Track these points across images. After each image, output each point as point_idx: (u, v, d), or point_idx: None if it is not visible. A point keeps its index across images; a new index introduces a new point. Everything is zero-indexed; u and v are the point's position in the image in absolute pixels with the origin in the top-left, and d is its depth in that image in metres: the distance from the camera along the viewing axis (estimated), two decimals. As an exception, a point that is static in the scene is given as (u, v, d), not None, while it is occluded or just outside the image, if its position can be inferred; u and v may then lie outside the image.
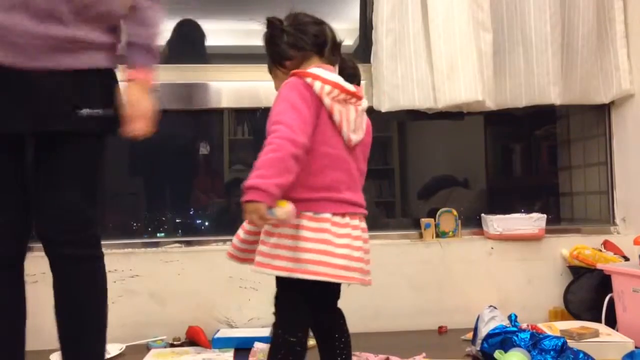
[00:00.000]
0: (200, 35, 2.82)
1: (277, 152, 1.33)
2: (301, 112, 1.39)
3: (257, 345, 2.11)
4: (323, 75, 1.44)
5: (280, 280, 1.45)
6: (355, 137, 1.50)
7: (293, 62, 1.52)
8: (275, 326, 1.47)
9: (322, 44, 1.53)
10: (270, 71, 1.61)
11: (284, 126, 1.36)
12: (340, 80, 1.47)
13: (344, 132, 1.46)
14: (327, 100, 1.43)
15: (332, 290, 1.53)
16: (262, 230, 1.43)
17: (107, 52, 1.48)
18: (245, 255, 1.53)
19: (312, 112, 1.41)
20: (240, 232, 1.54)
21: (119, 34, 1.53)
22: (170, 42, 2.75)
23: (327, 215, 1.41)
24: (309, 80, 1.42)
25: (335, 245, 1.39)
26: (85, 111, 1.41)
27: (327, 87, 1.43)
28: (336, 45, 1.56)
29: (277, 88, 1.56)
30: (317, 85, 1.42)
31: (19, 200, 1.44)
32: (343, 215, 1.44)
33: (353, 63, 1.61)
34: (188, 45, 2.82)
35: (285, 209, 1.33)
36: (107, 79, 1.49)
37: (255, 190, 1.30)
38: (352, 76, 1.55)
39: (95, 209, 1.47)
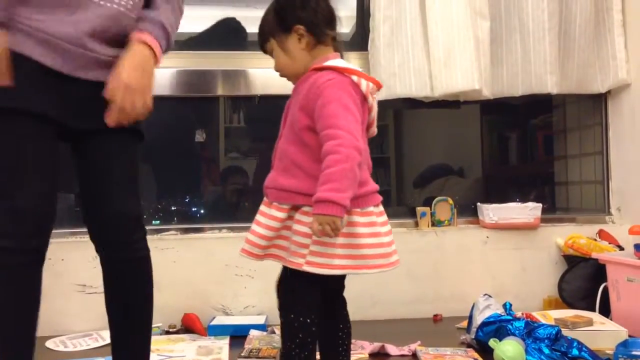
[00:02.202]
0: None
1: (346, 162, 1.31)
2: (355, 115, 1.37)
3: (253, 333, 2.12)
4: (360, 70, 1.42)
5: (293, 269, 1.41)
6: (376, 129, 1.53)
7: (309, 40, 1.43)
8: (286, 311, 1.44)
9: (335, 25, 1.47)
10: (270, 48, 1.48)
11: (346, 132, 1.33)
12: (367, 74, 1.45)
13: (374, 125, 1.48)
14: (370, 99, 1.43)
15: (342, 278, 1.52)
16: (297, 230, 1.39)
17: None
18: (264, 252, 1.45)
19: (360, 112, 1.40)
20: (258, 229, 1.45)
21: None
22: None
23: (371, 209, 1.43)
24: (355, 78, 1.39)
25: (382, 235, 1.42)
26: None
27: (371, 85, 1.42)
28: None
29: (280, 67, 1.48)
30: (364, 84, 1.40)
31: (48, 184, 1.34)
32: (378, 205, 1.46)
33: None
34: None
35: (345, 218, 1.35)
36: None
37: (332, 204, 1.30)
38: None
39: (141, 204, 1.48)
